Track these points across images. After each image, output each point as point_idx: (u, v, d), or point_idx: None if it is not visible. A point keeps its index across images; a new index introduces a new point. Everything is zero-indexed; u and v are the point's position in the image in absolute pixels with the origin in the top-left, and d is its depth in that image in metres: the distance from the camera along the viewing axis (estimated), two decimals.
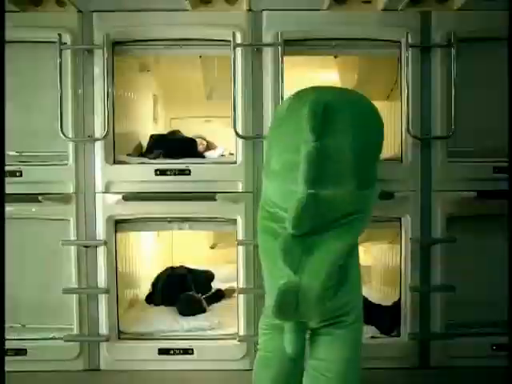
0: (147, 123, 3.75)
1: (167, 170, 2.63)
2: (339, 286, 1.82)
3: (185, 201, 2.64)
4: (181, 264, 3.74)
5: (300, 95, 1.87)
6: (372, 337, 2.72)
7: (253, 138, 2.63)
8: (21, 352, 2.63)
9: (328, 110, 1.68)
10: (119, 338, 2.73)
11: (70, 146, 2.63)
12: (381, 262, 3.38)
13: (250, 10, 2.61)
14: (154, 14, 2.60)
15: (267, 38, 2.60)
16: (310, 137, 1.65)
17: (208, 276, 3.73)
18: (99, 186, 2.64)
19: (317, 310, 1.78)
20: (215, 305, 3.32)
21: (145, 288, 3.52)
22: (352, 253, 1.89)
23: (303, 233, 1.74)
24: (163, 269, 3.66)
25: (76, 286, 2.65)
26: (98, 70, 2.61)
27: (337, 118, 1.69)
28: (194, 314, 2.99)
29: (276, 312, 1.74)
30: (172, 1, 2.52)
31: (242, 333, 2.66)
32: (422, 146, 2.64)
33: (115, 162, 2.71)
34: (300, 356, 1.90)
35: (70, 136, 2.61)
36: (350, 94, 1.93)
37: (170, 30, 2.63)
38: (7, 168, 2.48)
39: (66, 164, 2.63)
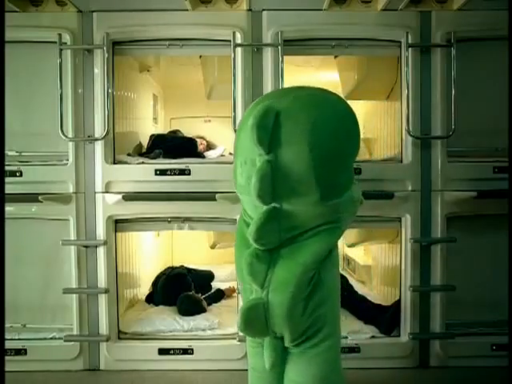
0: (147, 123, 3.75)
1: (167, 169, 2.62)
2: (310, 299, 1.69)
3: (185, 201, 2.63)
4: (181, 264, 3.75)
5: (255, 103, 1.73)
6: (372, 337, 2.72)
7: None
8: (21, 352, 2.64)
9: (281, 119, 1.54)
10: (119, 338, 2.74)
11: (70, 146, 2.62)
12: (381, 262, 3.38)
13: (250, 9, 2.61)
14: (154, 14, 2.60)
15: (267, 38, 2.60)
16: (260, 150, 1.55)
17: (208, 276, 3.74)
18: (99, 185, 2.64)
19: (287, 325, 1.69)
20: (215, 305, 3.32)
21: (145, 288, 3.53)
22: (324, 263, 1.73)
23: (271, 247, 1.67)
24: (163, 269, 3.67)
25: (76, 286, 2.65)
26: (98, 70, 2.61)
27: (291, 127, 1.55)
28: (193, 314, 2.99)
29: (243, 329, 1.68)
30: (172, 1, 2.52)
31: (241, 333, 2.66)
32: (422, 145, 2.64)
33: (115, 162, 2.71)
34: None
35: (70, 136, 2.61)
36: (313, 96, 1.71)
37: (170, 30, 2.63)
38: (7, 168, 2.49)
39: (66, 164, 2.63)
